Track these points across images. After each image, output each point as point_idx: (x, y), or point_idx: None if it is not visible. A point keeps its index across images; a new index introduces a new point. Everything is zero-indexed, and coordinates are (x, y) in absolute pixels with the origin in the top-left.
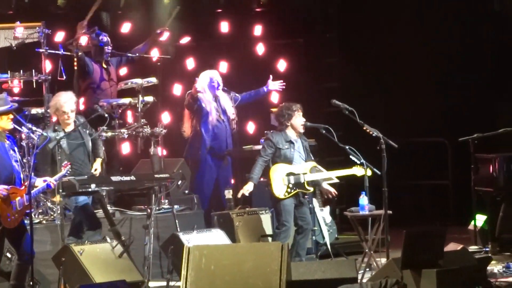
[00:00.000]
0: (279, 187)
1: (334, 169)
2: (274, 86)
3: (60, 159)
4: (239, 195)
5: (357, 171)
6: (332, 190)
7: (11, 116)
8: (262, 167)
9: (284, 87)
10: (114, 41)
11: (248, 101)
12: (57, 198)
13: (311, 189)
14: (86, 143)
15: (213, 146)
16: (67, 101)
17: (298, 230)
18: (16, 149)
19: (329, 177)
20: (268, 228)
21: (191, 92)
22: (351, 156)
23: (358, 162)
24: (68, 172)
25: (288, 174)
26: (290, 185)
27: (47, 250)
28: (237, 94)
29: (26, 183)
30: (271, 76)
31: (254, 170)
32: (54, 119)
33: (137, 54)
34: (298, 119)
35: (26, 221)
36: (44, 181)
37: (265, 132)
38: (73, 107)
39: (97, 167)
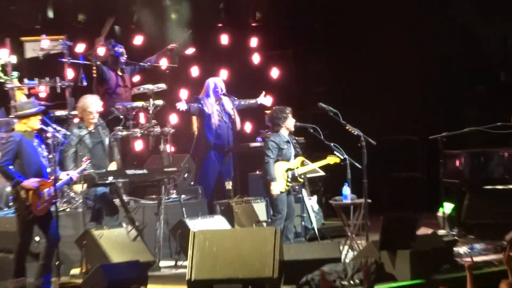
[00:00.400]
0: (281, 182)
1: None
2: (264, 101)
3: (82, 154)
4: (275, 194)
5: (331, 159)
6: None
7: (38, 117)
8: (273, 166)
9: (270, 103)
10: (128, 52)
11: (241, 109)
12: (76, 189)
13: (302, 180)
14: (104, 141)
15: (216, 143)
16: (93, 103)
17: (286, 216)
18: (43, 146)
19: (314, 169)
20: (263, 215)
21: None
22: (335, 152)
23: (342, 157)
24: (88, 166)
25: (287, 170)
26: (289, 180)
27: (71, 234)
28: (236, 99)
29: (52, 176)
30: (263, 92)
31: (270, 171)
32: (76, 120)
33: (148, 64)
34: (290, 121)
35: (53, 209)
36: (67, 174)
37: (260, 131)
38: (98, 109)
39: (112, 168)
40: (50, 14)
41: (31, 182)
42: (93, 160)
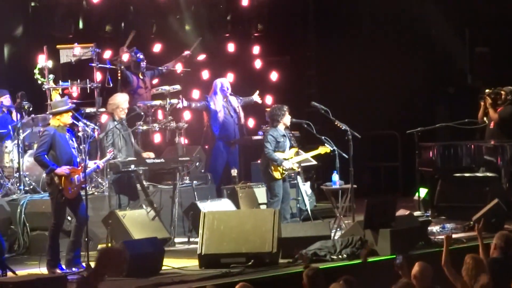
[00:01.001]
0: (277, 171)
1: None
2: (257, 98)
3: (113, 143)
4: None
5: (322, 149)
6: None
7: (70, 114)
8: (274, 153)
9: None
10: (148, 58)
11: (241, 105)
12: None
13: (296, 168)
14: (130, 133)
15: (224, 136)
16: (125, 101)
17: (282, 200)
18: (74, 139)
19: (307, 158)
20: (263, 198)
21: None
22: (326, 144)
23: (331, 148)
24: (112, 156)
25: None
26: (284, 169)
27: (98, 215)
28: (240, 97)
29: (82, 165)
30: (257, 91)
31: (275, 158)
32: (104, 118)
33: (166, 68)
34: (287, 117)
35: (82, 193)
36: (95, 163)
37: (261, 126)
38: (127, 105)
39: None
40: (81, 25)
41: (63, 169)
42: (125, 148)
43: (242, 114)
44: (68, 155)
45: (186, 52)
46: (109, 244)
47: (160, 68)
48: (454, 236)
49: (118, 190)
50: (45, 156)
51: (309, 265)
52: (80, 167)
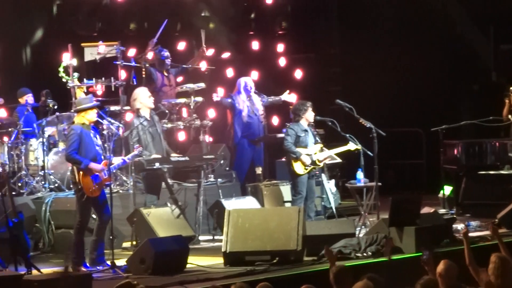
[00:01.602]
0: (299, 166)
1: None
2: (287, 98)
3: (139, 139)
4: (307, 163)
5: (351, 146)
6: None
7: (95, 111)
8: (294, 146)
9: (294, 99)
10: (173, 56)
11: (266, 105)
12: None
13: (321, 164)
14: (158, 129)
15: (248, 135)
16: (141, 93)
17: (306, 197)
18: (98, 136)
19: (331, 156)
20: (288, 196)
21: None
22: (350, 142)
23: (356, 147)
24: (140, 152)
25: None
26: (307, 164)
27: (122, 213)
28: (264, 96)
29: (105, 162)
30: (287, 91)
31: (294, 150)
32: (129, 116)
33: (190, 66)
34: (310, 113)
35: (107, 191)
36: (122, 159)
37: (286, 123)
38: (147, 96)
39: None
40: (106, 23)
41: (97, 165)
42: (154, 145)
43: (264, 114)
44: (92, 153)
45: (203, 48)
46: (134, 242)
47: (184, 65)
48: (479, 234)
49: (147, 188)
50: (76, 153)
51: (335, 258)
52: (103, 165)
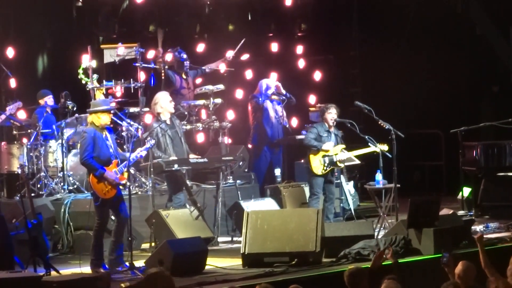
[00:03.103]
0: (317, 166)
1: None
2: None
3: (158, 142)
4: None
5: (380, 147)
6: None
7: (109, 114)
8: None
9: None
10: (191, 58)
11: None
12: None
13: (342, 165)
14: (179, 131)
15: (269, 136)
16: (162, 97)
17: (326, 199)
18: (110, 137)
19: (350, 158)
20: (307, 198)
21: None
22: (369, 144)
23: (381, 148)
24: (152, 145)
25: (324, 156)
26: (326, 164)
27: (141, 214)
28: (283, 96)
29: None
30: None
31: (313, 143)
32: (148, 118)
33: (209, 69)
34: (329, 115)
35: (125, 192)
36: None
37: (305, 125)
38: (168, 101)
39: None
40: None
41: (112, 175)
42: (174, 147)
43: (285, 114)
44: (106, 156)
45: (230, 53)
46: (153, 243)
47: (203, 68)
48: (498, 235)
49: (172, 189)
50: (92, 158)
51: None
52: (111, 164)
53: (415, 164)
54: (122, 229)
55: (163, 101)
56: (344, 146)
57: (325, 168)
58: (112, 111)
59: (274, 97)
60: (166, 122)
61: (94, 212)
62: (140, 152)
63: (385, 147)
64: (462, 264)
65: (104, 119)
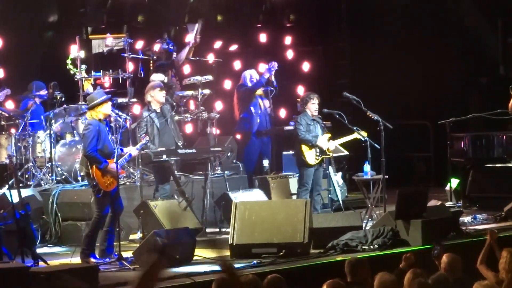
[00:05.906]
0: (310, 156)
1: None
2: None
3: (146, 132)
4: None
5: (357, 135)
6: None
7: (109, 103)
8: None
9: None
10: (180, 48)
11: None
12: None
13: (331, 154)
14: (169, 119)
15: (257, 125)
16: (152, 86)
17: (313, 190)
18: (107, 129)
19: (338, 149)
20: (295, 189)
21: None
22: (356, 134)
23: (363, 140)
24: (147, 141)
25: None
26: (317, 153)
27: (129, 205)
28: (271, 88)
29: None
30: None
31: (310, 140)
32: (136, 109)
33: (176, 58)
34: (311, 105)
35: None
36: (126, 152)
37: (293, 116)
38: (158, 89)
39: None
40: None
41: (115, 167)
42: (163, 137)
43: (271, 106)
44: (109, 148)
45: (190, 38)
46: (141, 234)
47: (174, 57)
48: (486, 227)
49: (159, 179)
50: (97, 151)
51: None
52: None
53: (403, 155)
54: (116, 220)
55: (154, 91)
56: (330, 135)
57: (317, 157)
58: (111, 100)
59: (259, 92)
60: (156, 111)
61: (94, 203)
62: (131, 150)
63: (364, 134)
64: (447, 257)
65: (105, 110)
